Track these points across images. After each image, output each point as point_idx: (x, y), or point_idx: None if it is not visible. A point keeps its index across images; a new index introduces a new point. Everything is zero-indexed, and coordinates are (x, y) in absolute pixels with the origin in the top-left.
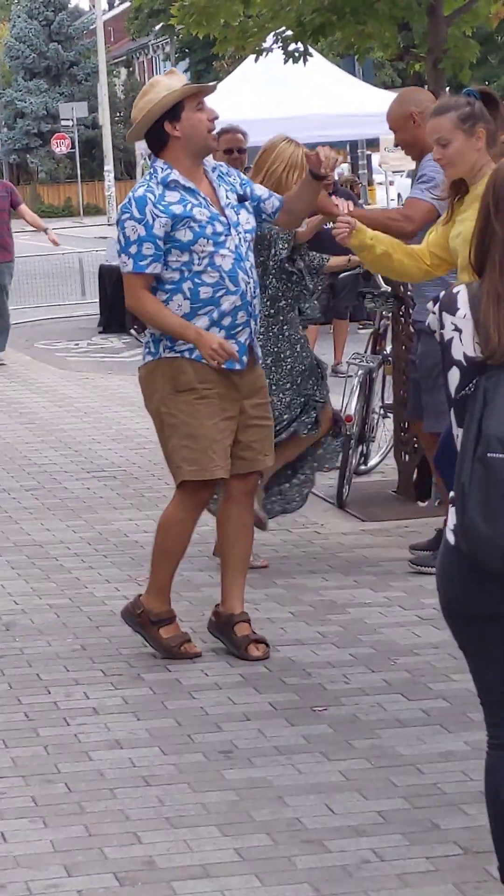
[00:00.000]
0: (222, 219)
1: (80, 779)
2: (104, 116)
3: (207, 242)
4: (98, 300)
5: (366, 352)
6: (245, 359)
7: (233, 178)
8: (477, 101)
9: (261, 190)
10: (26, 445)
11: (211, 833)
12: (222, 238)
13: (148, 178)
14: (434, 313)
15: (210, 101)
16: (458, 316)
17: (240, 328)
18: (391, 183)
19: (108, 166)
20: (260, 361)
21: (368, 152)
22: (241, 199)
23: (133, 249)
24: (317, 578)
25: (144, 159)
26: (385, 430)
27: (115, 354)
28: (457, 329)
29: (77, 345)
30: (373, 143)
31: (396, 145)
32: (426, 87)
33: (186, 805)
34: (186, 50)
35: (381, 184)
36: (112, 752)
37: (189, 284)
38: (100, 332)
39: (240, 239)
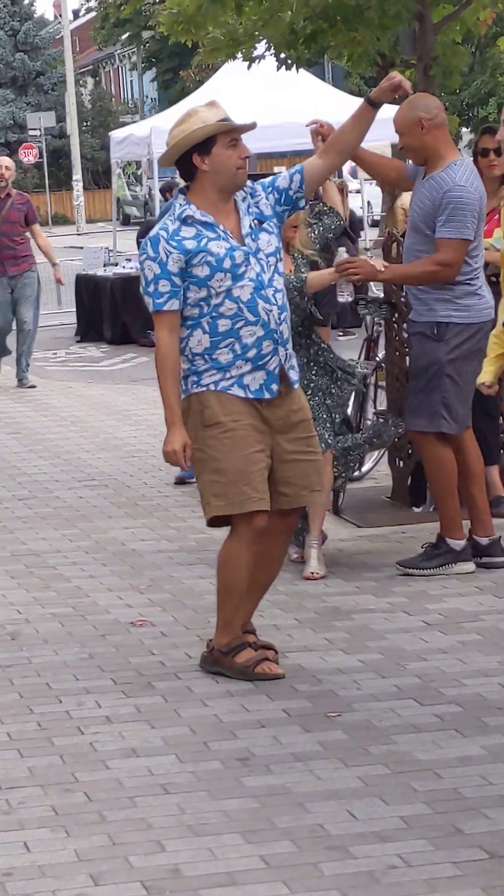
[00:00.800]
0: (242, 248)
1: (98, 787)
2: (72, 126)
3: (225, 276)
4: (75, 309)
5: (359, 358)
6: (275, 387)
7: (258, 197)
8: None
9: (281, 180)
10: (15, 455)
11: (234, 840)
12: (241, 270)
13: (168, 215)
14: None
15: (184, 110)
16: None
17: (267, 358)
18: (357, 191)
19: (77, 176)
20: (296, 385)
21: None
22: (260, 222)
23: (151, 288)
24: (319, 585)
25: (120, 169)
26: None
27: (93, 364)
28: None
29: (55, 354)
30: None
31: (401, 148)
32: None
33: (207, 813)
34: (153, 59)
35: (351, 191)
36: (128, 761)
37: (208, 319)
38: (77, 342)
39: (261, 266)
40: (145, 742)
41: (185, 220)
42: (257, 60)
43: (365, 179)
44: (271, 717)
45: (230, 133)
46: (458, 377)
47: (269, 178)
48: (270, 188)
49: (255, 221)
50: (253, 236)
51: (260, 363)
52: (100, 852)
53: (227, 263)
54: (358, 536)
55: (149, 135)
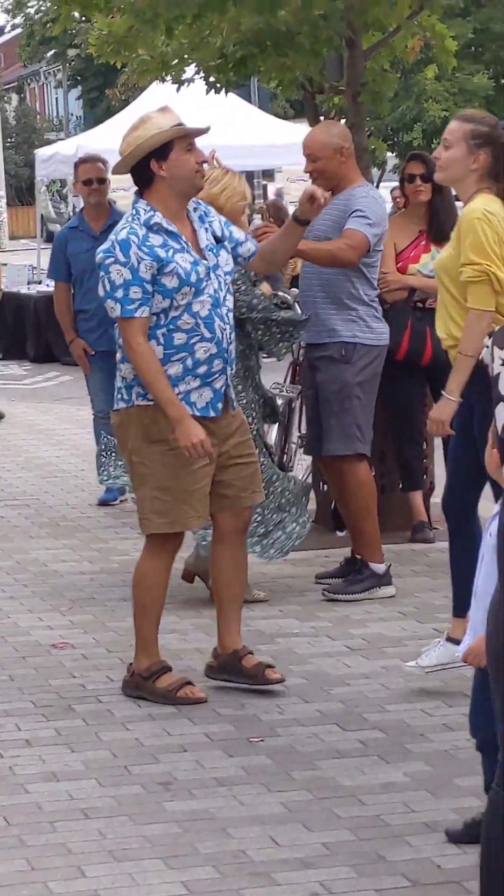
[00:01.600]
0: (204, 262)
1: (18, 812)
2: None
3: (189, 290)
4: None
5: (285, 381)
6: (220, 406)
7: (212, 218)
8: None
9: (238, 233)
10: None
11: (156, 866)
12: (203, 284)
13: (130, 219)
14: (487, 346)
15: (113, 129)
16: None
17: (216, 376)
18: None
19: (0, 191)
20: (234, 405)
21: (264, 182)
22: (218, 239)
23: (119, 294)
24: (243, 609)
25: (45, 185)
26: (301, 461)
27: (16, 382)
28: None
29: None
30: (268, 174)
31: (312, 172)
32: (345, 119)
33: (129, 838)
34: (79, 77)
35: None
36: (48, 785)
37: (164, 331)
38: (0, 359)
39: (219, 283)
40: (65, 766)
41: (152, 228)
42: (186, 83)
43: (290, 202)
44: (194, 742)
45: (186, 137)
46: (364, 399)
47: (224, 218)
48: (227, 226)
49: (213, 237)
50: (213, 251)
51: (208, 380)
52: (19, 877)
53: (192, 277)
54: (282, 560)
55: (75, 153)
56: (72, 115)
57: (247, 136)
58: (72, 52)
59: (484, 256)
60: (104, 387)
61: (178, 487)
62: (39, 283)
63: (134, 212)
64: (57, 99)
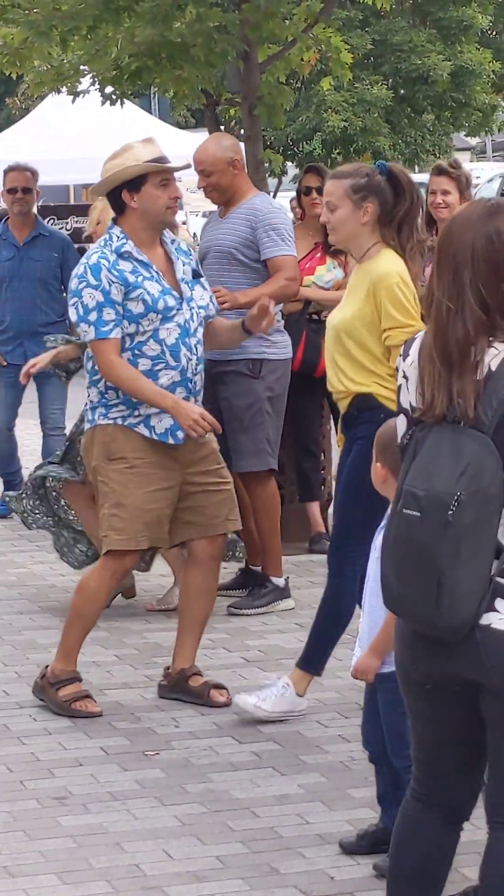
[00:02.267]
0: (175, 293)
1: None
2: None
3: (156, 317)
4: None
5: None
6: (181, 435)
7: (190, 257)
8: (381, 175)
9: (205, 283)
10: None
11: (50, 881)
12: (172, 313)
13: (103, 244)
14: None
15: (12, 139)
16: (408, 363)
17: None
18: (183, 223)
19: None
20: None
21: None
22: (196, 274)
23: (93, 317)
24: (139, 621)
25: None
26: None
27: None
28: (405, 376)
29: None
30: None
31: (206, 187)
32: (242, 131)
33: (24, 853)
34: None
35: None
36: None
37: (129, 355)
38: None
39: (191, 314)
40: None
41: (122, 255)
42: (82, 94)
43: (191, 212)
44: (89, 756)
45: (161, 173)
46: (274, 414)
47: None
48: (198, 278)
49: (190, 272)
50: (189, 285)
51: None
52: None
53: (160, 305)
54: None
55: None
56: None
57: None
58: None
59: (411, 318)
60: (8, 401)
61: (134, 505)
62: None
63: (107, 237)
64: None
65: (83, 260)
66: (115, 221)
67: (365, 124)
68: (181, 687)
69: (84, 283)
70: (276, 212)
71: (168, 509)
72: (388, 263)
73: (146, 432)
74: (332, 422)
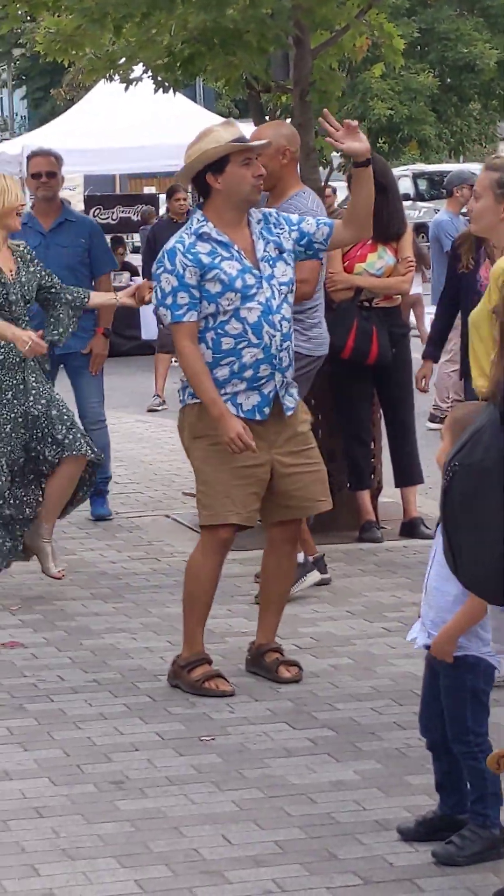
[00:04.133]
0: (255, 272)
1: None
2: None
3: (235, 296)
4: None
5: None
6: (267, 410)
7: (281, 228)
8: None
9: (307, 224)
10: None
11: (109, 865)
12: (252, 291)
13: (183, 229)
14: None
15: (58, 128)
16: None
17: (263, 381)
18: None
19: None
20: (289, 412)
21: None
22: (281, 251)
23: (169, 300)
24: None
25: None
26: None
27: None
28: None
29: None
30: None
31: None
32: (292, 119)
33: (82, 837)
34: (24, 77)
35: None
36: (1, 784)
37: (212, 335)
38: None
39: (273, 291)
40: (18, 765)
41: (201, 236)
42: (134, 82)
43: None
44: (145, 741)
45: (244, 152)
46: None
47: (296, 217)
48: (296, 226)
49: (274, 249)
50: (270, 262)
51: (255, 385)
52: None
53: (238, 283)
54: (229, 559)
55: (20, 153)
56: (17, 114)
57: (192, 136)
58: (17, 52)
59: None
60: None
61: (219, 481)
62: None
63: (189, 221)
64: (2, 99)
65: (166, 245)
66: (199, 207)
67: (411, 113)
68: (257, 662)
69: (162, 268)
70: (312, 213)
71: (256, 487)
72: None
73: (233, 410)
74: (381, 410)
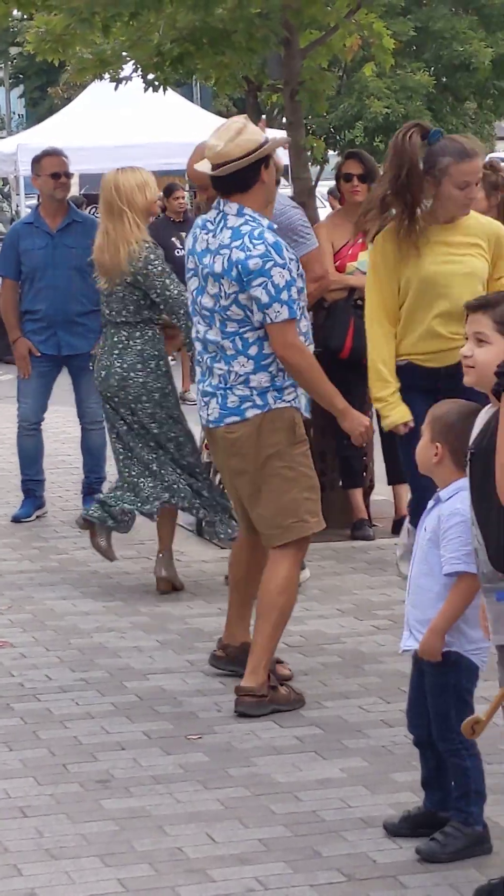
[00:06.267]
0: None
1: None
2: None
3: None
4: None
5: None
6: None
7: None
8: None
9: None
10: None
11: (93, 864)
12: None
13: (255, 224)
14: None
15: (54, 127)
16: None
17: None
18: None
19: None
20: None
21: None
22: None
23: (285, 296)
24: (181, 606)
25: None
26: None
27: None
28: None
29: None
30: None
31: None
32: (284, 119)
33: (66, 836)
34: (21, 76)
35: None
36: None
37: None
38: None
39: None
40: (3, 764)
41: (274, 231)
42: (124, 81)
43: None
44: (131, 740)
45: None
46: None
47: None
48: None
49: None
50: None
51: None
52: None
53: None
54: (221, 558)
55: (15, 152)
56: (14, 113)
57: (188, 135)
58: (14, 51)
59: None
60: (38, 392)
61: (318, 487)
62: None
63: (249, 217)
64: None
65: (256, 241)
66: (226, 198)
67: (407, 111)
68: (244, 659)
69: (272, 263)
70: (291, 209)
71: None
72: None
73: (301, 407)
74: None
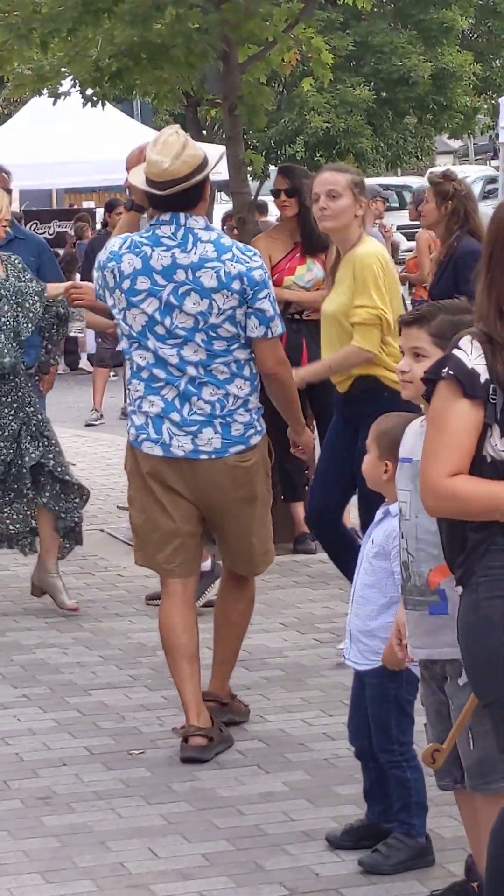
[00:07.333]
0: None
1: None
2: None
3: None
4: None
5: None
6: None
7: None
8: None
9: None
10: None
11: (34, 880)
12: None
13: (225, 236)
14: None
15: None
16: None
17: None
18: None
19: None
20: None
21: None
22: None
23: (278, 310)
24: (124, 622)
25: None
26: None
27: None
28: None
29: None
30: None
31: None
32: (223, 132)
33: (7, 853)
34: None
35: None
36: None
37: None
38: None
39: None
40: None
41: None
42: (63, 97)
43: None
44: (74, 756)
45: None
46: None
47: None
48: None
49: None
50: None
51: None
52: None
53: None
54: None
55: None
56: None
57: (129, 151)
58: None
59: (382, 301)
60: None
61: None
62: None
63: (217, 230)
64: None
65: (246, 251)
66: (185, 214)
67: (347, 126)
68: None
69: (266, 275)
70: None
71: None
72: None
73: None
74: (314, 423)
